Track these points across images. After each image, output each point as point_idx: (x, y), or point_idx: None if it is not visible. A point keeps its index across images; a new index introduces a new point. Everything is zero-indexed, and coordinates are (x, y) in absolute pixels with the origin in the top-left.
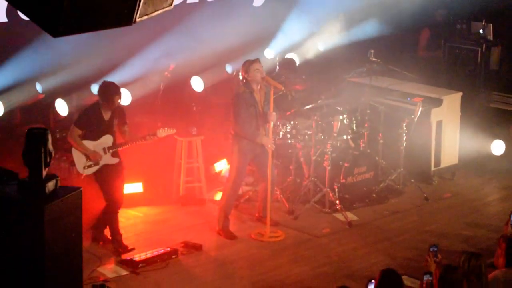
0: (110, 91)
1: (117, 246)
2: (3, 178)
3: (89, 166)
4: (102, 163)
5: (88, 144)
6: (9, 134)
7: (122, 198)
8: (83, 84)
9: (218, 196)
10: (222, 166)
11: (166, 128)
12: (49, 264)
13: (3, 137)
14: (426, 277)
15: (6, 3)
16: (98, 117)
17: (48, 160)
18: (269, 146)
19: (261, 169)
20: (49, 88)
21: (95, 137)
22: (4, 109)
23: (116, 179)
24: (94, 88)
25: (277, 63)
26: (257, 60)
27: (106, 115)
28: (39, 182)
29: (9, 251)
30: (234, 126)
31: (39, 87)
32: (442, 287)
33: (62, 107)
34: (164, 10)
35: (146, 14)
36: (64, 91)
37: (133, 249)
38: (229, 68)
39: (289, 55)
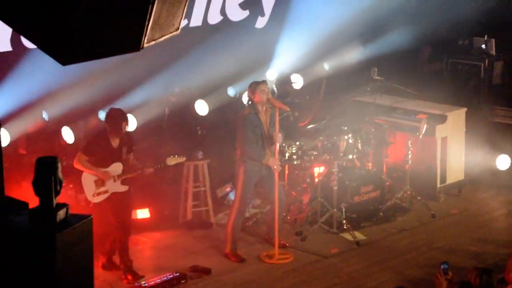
0: (117, 118)
1: (128, 273)
2: (13, 208)
3: (99, 194)
4: (111, 190)
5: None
6: (15, 163)
7: (131, 225)
8: (89, 111)
9: (225, 219)
10: (224, 191)
11: (176, 156)
12: None
13: (10, 167)
14: None
15: (10, 31)
16: (106, 144)
17: (58, 188)
18: (275, 167)
19: (268, 191)
20: (55, 115)
21: (104, 165)
22: (10, 138)
23: (125, 206)
24: (102, 115)
25: (274, 85)
26: (263, 82)
27: (115, 143)
28: (50, 211)
29: (21, 281)
30: (240, 147)
31: (45, 115)
32: None
33: (68, 135)
34: (171, 35)
35: (154, 40)
36: (70, 119)
37: (143, 276)
38: (231, 91)
39: (293, 76)
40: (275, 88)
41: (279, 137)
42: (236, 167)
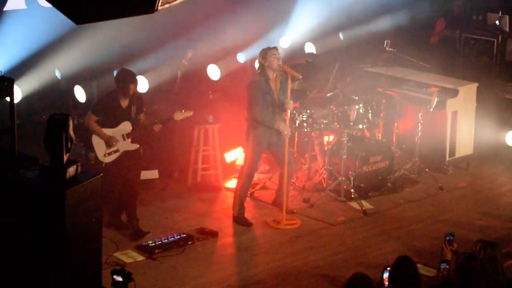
0: (125, 79)
1: (134, 231)
2: (24, 163)
3: (109, 154)
4: (122, 149)
5: (107, 131)
6: (28, 120)
7: (139, 183)
8: (102, 71)
9: (233, 183)
10: (233, 156)
11: (183, 111)
12: (69, 248)
13: (22, 123)
14: (443, 266)
15: None
16: (115, 104)
17: (69, 146)
18: (286, 133)
19: (278, 158)
20: (68, 74)
21: (113, 124)
22: (22, 94)
23: (134, 165)
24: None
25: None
26: (275, 48)
27: (124, 103)
28: (60, 168)
29: (31, 235)
30: (251, 113)
31: (58, 74)
32: (461, 276)
33: (80, 94)
34: None
35: (168, 2)
36: (83, 78)
37: (148, 232)
38: (241, 57)
39: (307, 45)
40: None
41: (290, 104)
42: (246, 132)
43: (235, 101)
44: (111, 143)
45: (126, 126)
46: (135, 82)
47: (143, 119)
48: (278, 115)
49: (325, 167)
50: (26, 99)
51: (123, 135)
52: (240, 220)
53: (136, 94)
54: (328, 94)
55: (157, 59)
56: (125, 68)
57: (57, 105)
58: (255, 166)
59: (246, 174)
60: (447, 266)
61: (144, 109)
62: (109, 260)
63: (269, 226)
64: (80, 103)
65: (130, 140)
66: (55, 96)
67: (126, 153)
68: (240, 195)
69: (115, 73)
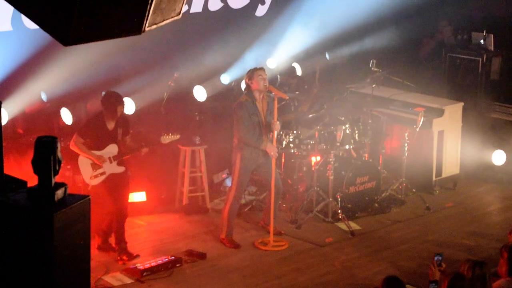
0: (113, 101)
1: (122, 254)
2: (12, 186)
3: (96, 176)
4: (108, 172)
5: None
6: (14, 142)
7: (128, 206)
8: (88, 94)
9: (221, 205)
10: (220, 177)
11: (170, 134)
12: (58, 271)
13: (8, 146)
14: (432, 286)
15: (10, 12)
16: (101, 126)
17: (57, 168)
18: (272, 154)
19: (265, 179)
20: (54, 96)
21: (99, 147)
22: (8, 116)
23: (122, 188)
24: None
25: (278, 74)
26: (261, 68)
27: (110, 125)
28: (48, 190)
29: (18, 259)
30: (237, 134)
31: (43, 96)
32: None
33: (67, 116)
34: (172, 19)
35: (155, 23)
36: (69, 100)
37: (137, 255)
38: (225, 79)
39: (294, 65)
40: (278, 77)
41: (277, 125)
42: (233, 154)
43: (222, 122)
44: (100, 162)
45: (112, 149)
46: (122, 104)
47: (129, 141)
48: (265, 135)
49: (312, 188)
50: (11, 122)
51: (109, 158)
52: (228, 242)
53: (123, 116)
54: (310, 115)
55: (143, 81)
56: (111, 90)
57: (43, 127)
58: (243, 187)
59: (234, 196)
60: (436, 286)
61: (131, 131)
62: (97, 283)
63: (257, 248)
64: (67, 125)
65: (116, 162)
66: (41, 118)
67: (112, 176)
68: (228, 217)
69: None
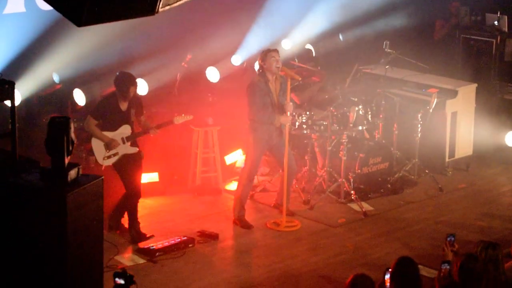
0: (125, 81)
1: (136, 235)
2: (25, 166)
3: (109, 157)
4: (121, 153)
5: (107, 134)
6: (28, 123)
7: (141, 187)
8: (102, 74)
9: (233, 186)
10: (233, 158)
11: (182, 115)
12: (71, 251)
13: (21, 127)
14: (444, 266)
15: None
16: (114, 107)
17: (70, 148)
18: (289, 125)
19: (279, 159)
20: (66, 78)
21: (113, 127)
22: (22, 97)
23: (135, 168)
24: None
25: (295, 57)
26: (275, 50)
27: (123, 106)
28: (61, 170)
29: (32, 239)
30: (250, 114)
31: (56, 77)
32: (463, 276)
33: (80, 97)
34: (185, 0)
35: (169, 4)
36: (81, 81)
37: (152, 236)
38: (236, 60)
39: (307, 46)
40: (296, 60)
41: (290, 106)
42: (246, 135)
43: (235, 103)
44: (112, 146)
45: (125, 130)
46: (135, 85)
47: (144, 121)
48: (278, 115)
49: (325, 168)
50: (25, 102)
51: (122, 138)
52: (240, 222)
53: (136, 97)
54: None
55: (157, 62)
56: (124, 71)
57: (57, 108)
58: (256, 168)
59: (247, 177)
60: (448, 267)
61: (144, 112)
62: (110, 263)
63: (270, 229)
64: (80, 106)
65: (129, 143)
66: (54, 99)
67: (125, 156)
68: (241, 197)
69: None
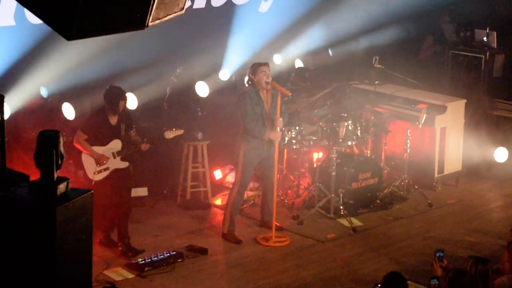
0: (115, 95)
1: (125, 249)
2: (14, 180)
3: (99, 172)
4: (112, 167)
5: (97, 149)
6: (16, 137)
7: (131, 202)
8: (91, 88)
9: (222, 201)
10: (222, 173)
11: (173, 129)
12: (59, 265)
13: (9, 140)
14: (433, 282)
15: (13, 6)
16: (104, 122)
17: (59, 162)
18: (278, 139)
19: (265, 173)
20: (54, 92)
21: (103, 142)
22: (10, 111)
23: (125, 183)
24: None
25: (293, 72)
26: (266, 64)
27: (113, 120)
28: (51, 184)
29: (20, 253)
30: (242, 123)
31: (44, 91)
32: None
33: (69, 111)
34: (175, 14)
35: (158, 19)
36: (71, 95)
37: (142, 251)
38: (223, 75)
39: (296, 62)
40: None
41: (280, 121)
42: (236, 148)
43: (224, 118)
44: (102, 162)
45: (116, 144)
46: (124, 99)
47: (134, 135)
48: (269, 126)
49: (315, 184)
50: (13, 116)
51: (113, 153)
52: (229, 237)
53: (125, 111)
54: (315, 111)
55: (146, 76)
56: (114, 85)
57: (45, 122)
58: (246, 182)
59: (237, 191)
60: (437, 282)
61: (134, 126)
62: (99, 278)
63: (259, 244)
64: (69, 120)
65: (120, 158)
66: (43, 113)
67: (116, 171)
68: (231, 212)
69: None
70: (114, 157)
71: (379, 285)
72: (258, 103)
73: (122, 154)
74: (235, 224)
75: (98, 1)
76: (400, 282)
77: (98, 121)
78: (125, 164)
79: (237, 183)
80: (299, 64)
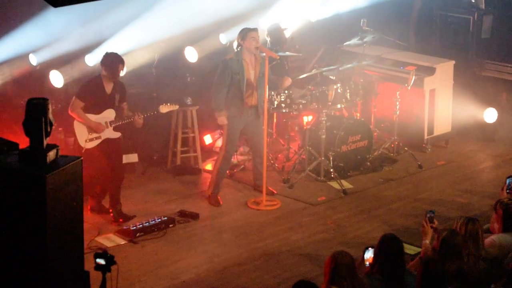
0: (114, 60)
1: (117, 215)
2: (3, 148)
3: (91, 140)
4: (104, 137)
5: (91, 117)
6: (5, 106)
7: (123, 169)
8: (75, 56)
9: (213, 166)
10: (212, 138)
11: (169, 104)
12: (51, 233)
13: None
14: (426, 242)
15: None
16: (100, 89)
17: (48, 130)
18: (220, 123)
19: (252, 138)
20: (43, 60)
21: (97, 111)
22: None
23: (116, 151)
24: (88, 60)
25: (266, 35)
26: (255, 29)
27: (108, 88)
28: (40, 152)
29: (11, 221)
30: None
31: (33, 59)
32: (444, 251)
33: (57, 79)
34: None
35: None
36: (58, 63)
37: (133, 216)
38: (223, 39)
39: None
40: (267, 38)
41: (288, 81)
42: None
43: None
44: (97, 130)
45: (109, 114)
46: (123, 62)
47: (126, 109)
48: (251, 95)
49: (305, 147)
50: (1, 85)
51: (106, 123)
52: (211, 199)
53: (120, 82)
54: (305, 75)
55: (133, 42)
56: (110, 51)
57: (33, 90)
58: (233, 147)
59: (224, 156)
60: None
61: (127, 99)
62: (91, 244)
63: (250, 208)
64: (57, 88)
65: (112, 128)
66: (30, 81)
67: (107, 140)
68: (217, 175)
69: (86, 58)
70: (107, 127)
71: (369, 248)
72: (238, 72)
73: (115, 124)
74: (220, 187)
75: None
76: (396, 243)
77: (93, 88)
78: (117, 135)
79: (223, 148)
80: (285, 25)
